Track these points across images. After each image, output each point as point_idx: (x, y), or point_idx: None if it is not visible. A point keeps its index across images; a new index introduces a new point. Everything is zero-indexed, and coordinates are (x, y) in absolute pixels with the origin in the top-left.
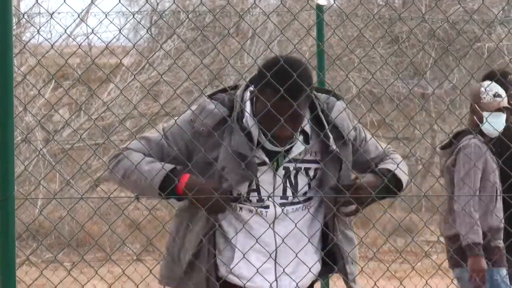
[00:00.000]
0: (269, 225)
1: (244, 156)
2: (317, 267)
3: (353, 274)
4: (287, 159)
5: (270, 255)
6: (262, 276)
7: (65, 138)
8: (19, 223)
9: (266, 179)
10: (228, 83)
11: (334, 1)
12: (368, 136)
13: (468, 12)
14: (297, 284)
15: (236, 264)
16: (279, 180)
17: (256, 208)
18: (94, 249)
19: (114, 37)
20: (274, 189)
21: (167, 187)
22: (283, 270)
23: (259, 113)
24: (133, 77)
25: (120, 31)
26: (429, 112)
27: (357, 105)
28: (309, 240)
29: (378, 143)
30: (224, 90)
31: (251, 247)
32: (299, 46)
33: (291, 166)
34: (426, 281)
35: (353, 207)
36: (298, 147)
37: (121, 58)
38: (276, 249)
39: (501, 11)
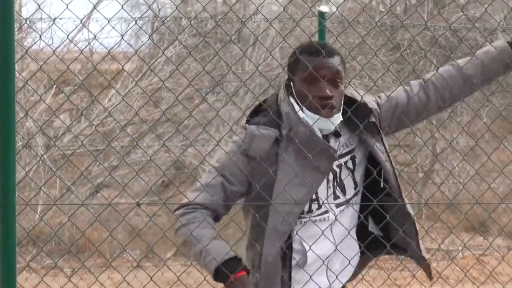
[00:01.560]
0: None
1: (317, 143)
2: (357, 261)
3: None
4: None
5: (324, 260)
6: (316, 281)
7: (66, 144)
8: (20, 229)
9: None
10: (229, 90)
11: (336, 8)
12: (382, 94)
13: (470, 20)
14: (345, 282)
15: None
16: (331, 181)
17: (319, 218)
18: (94, 255)
19: (116, 43)
20: (327, 193)
21: (220, 275)
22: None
23: (300, 91)
24: (134, 83)
25: (122, 37)
26: (430, 119)
27: None
28: (356, 236)
29: (385, 93)
30: (258, 109)
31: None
32: None
33: (334, 164)
34: None
35: None
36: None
37: (123, 64)
38: (332, 252)
39: (503, 19)
